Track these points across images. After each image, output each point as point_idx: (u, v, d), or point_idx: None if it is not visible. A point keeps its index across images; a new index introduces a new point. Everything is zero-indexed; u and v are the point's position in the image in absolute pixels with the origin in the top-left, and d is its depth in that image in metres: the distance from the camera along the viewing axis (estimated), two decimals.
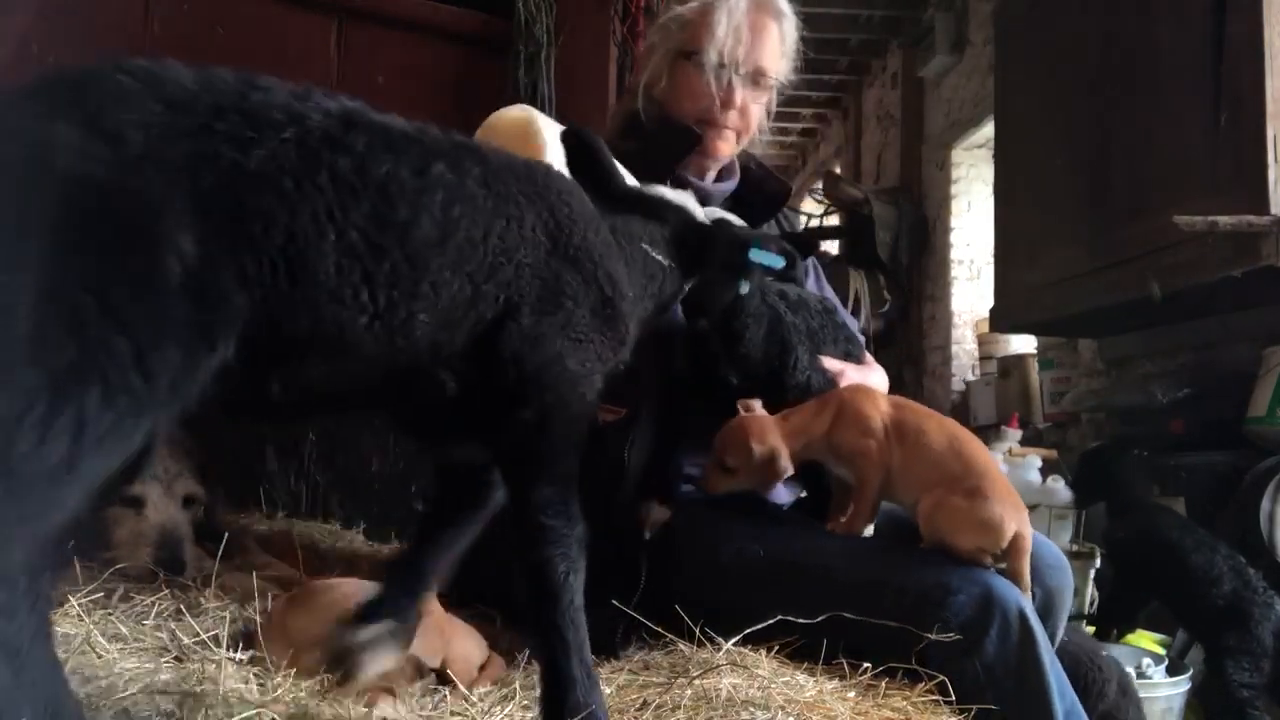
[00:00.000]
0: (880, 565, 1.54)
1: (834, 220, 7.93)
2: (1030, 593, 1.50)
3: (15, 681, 0.64)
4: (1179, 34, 3.19)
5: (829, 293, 2.15)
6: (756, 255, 1.39)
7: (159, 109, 0.75)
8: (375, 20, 3.26)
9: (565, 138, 1.34)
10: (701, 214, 1.41)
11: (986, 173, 6.26)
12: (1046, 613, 1.54)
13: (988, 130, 5.93)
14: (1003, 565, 1.49)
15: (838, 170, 8.84)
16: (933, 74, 6.90)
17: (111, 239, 0.68)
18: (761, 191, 2.07)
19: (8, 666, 0.64)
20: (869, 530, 1.68)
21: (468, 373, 0.94)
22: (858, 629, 1.44)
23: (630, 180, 1.41)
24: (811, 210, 8.05)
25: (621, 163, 1.98)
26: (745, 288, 1.48)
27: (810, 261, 2.16)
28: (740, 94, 1.99)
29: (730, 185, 2.08)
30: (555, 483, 0.98)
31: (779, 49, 2.02)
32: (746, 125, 2.03)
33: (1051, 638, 1.53)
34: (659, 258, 1.24)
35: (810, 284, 2.10)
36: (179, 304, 0.69)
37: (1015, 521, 1.47)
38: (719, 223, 1.43)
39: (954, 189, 6.83)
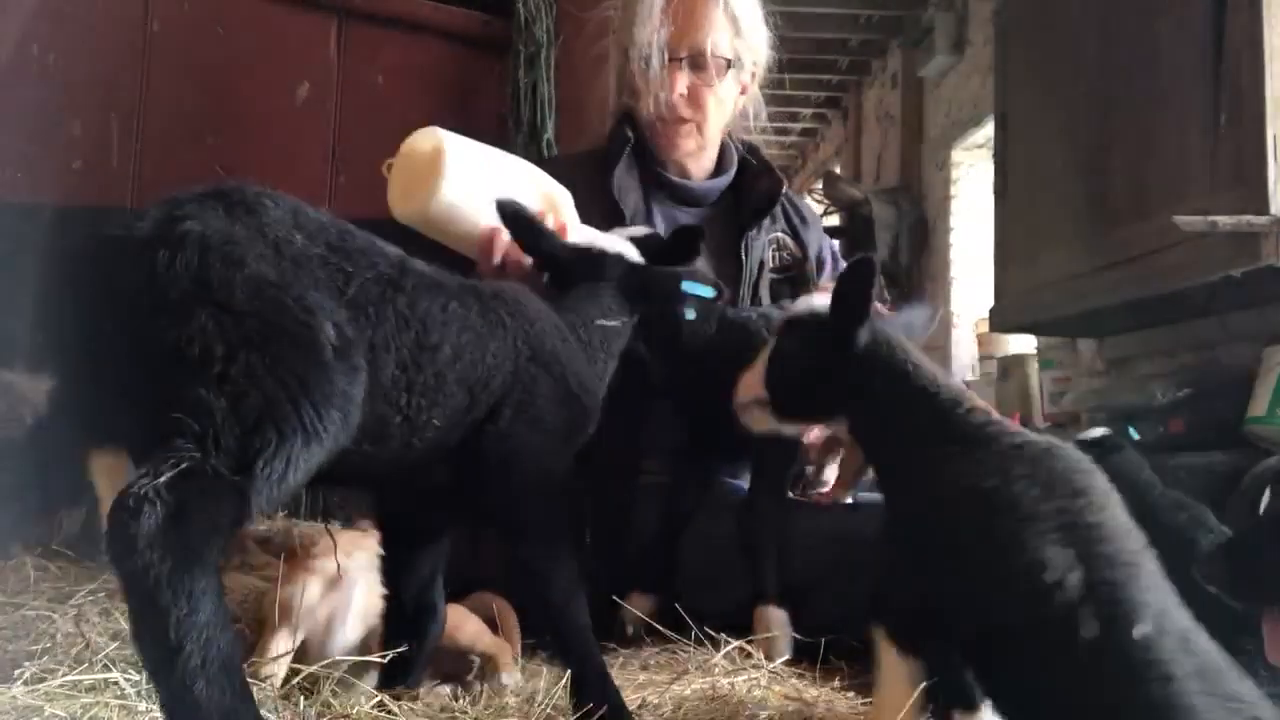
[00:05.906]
0: (848, 524, 1.60)
1: (834, 220, 7.93)
2: None
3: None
4: (1179, 34, 3.19)
5: None
6: (689, 287, 1.56)
7: (300, 234, 1.01)
8: (375, 20, 3.25)
9: (501, 213, 1.47)
10: (636, 255, 1.56)
11: (986, 173, 6.25)
12: None
13: (988, 130, 5.92)
14: None
15: (838, 170, 8.84)
16: (933, 74, 6.89)
17: (285, 324, 0.93)
18: (756, 188, 2.02)
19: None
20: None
21: (458, 464, 1.17)
22: (832, 586, 1.52)
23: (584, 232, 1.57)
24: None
25: (613, 164, 1.96)
26: (690, 314, 1.60)
27: (827, 248, 2.11)
28: (683, 81, 1.89)
29: (724, 181, 2.03)
30: (536, 541, 1.20)
31: (723, 26, 1.90)
32: (703, 113, 1.91)
33: None
34: (614, 323, 1.44)
35: (825, 274, 2.06)
36: (336, 371, 0.96)
37: None
38: (649, 267, 1.57)
39: (954, 189, 6.82)
